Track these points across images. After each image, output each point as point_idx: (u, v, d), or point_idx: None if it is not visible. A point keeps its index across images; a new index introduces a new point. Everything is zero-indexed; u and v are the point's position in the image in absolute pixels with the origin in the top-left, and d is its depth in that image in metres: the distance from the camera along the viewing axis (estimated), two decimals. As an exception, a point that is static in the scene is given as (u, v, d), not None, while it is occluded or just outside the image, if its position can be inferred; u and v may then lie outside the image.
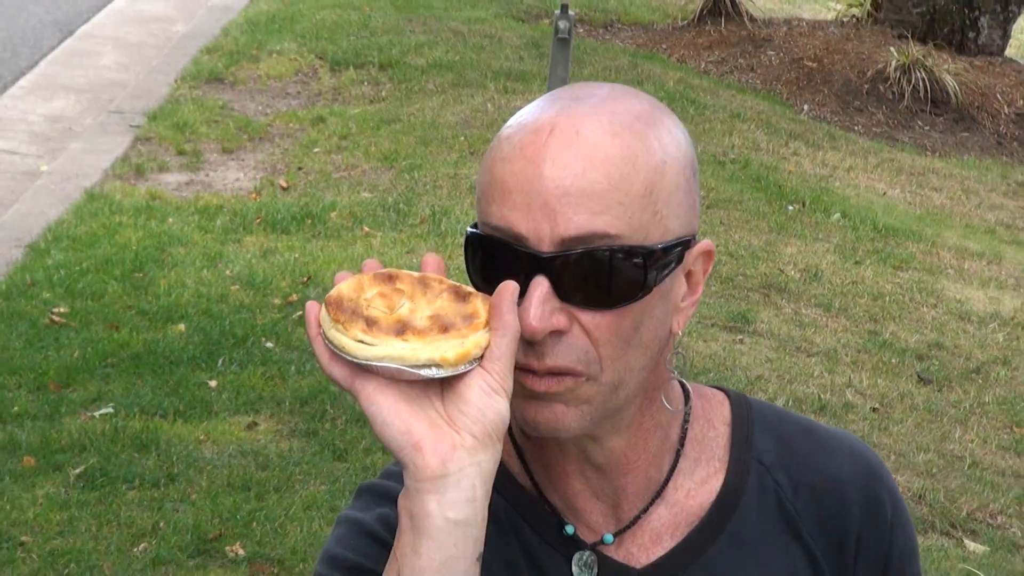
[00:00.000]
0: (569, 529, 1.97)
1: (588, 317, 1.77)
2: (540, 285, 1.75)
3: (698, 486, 1.98)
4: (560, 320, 1.76)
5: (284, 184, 10.10)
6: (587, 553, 1.96)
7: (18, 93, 12.23)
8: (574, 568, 1.96)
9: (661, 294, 1.82)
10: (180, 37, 14.15)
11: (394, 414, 1.71)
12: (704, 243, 1.89)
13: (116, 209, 9.31)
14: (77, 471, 6.15)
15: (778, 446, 2.01)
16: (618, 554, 1.97)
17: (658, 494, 1.97)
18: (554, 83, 10.88)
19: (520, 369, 1.78)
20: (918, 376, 8.02)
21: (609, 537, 1.96)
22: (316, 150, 10.89)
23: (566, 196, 1.72)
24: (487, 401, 1.71)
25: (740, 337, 8.12)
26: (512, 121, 1.82)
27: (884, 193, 11.49)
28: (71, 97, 12.19)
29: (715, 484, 1.99)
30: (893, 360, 8.18)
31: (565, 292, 1.76)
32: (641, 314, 1.80)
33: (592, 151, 1.73)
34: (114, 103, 11.92)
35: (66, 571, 5.49)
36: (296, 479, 6.18)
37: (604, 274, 1.76)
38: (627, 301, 1.78)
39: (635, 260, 1.77)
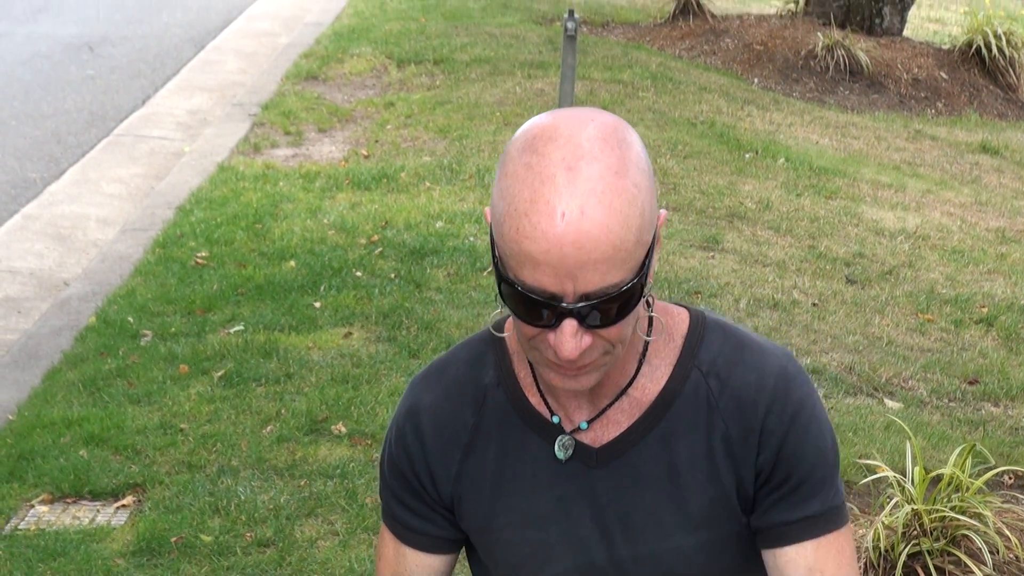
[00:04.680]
0: (556, 419, 2.01)
1: (605, 331, 1.79)
2: (570, 325, 1.77)
3: (651, 385, 1.99)
4: (587, 340, 1.79)
5: (365, 153, 10.07)
6: (567, 437, 2.00)
7: (165, 94, 12.23)
8: (556, 447, 2.00)
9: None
10: (284, 47, 14.11)
11: None
12: (661, 216, 1.87)
13: (240, 177, 9.32)
14: (219, 374, 6.17)
15: (716, 357, 2.00)
16: (587, 437, 2.00)
17: (623, 391, 1.99)
18: (565, 70, 10.81)
19: (552, 363, 1.85)
20: (846, 278, 7.98)
21: (584, 424, 2.00)
22: (388, 127, 10.86)
23: (584, 266, 1.71)
24: None
25: (712, 254, 8.08)
26: (519, 189, 1.74)
27: (817, 142, 11.42)
28: (205, 95, 12.18)
29: (663, 383, 2.00)
30: (827, 267, 8.14)
31: (588, 324, 1.77)
32: (637, 308, 1.83)
33: (598, 228, 1.70)
34: (236, 98, 11.91)
35: (214, 449, 5.50)
36: (382, 373, 6.18)
37: (615, 307, 1.77)
38: (630, 312, 1.80)
39: (634, 288, 1.78)
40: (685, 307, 2.07)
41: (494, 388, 2.06)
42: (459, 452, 2.07)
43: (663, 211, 1.90)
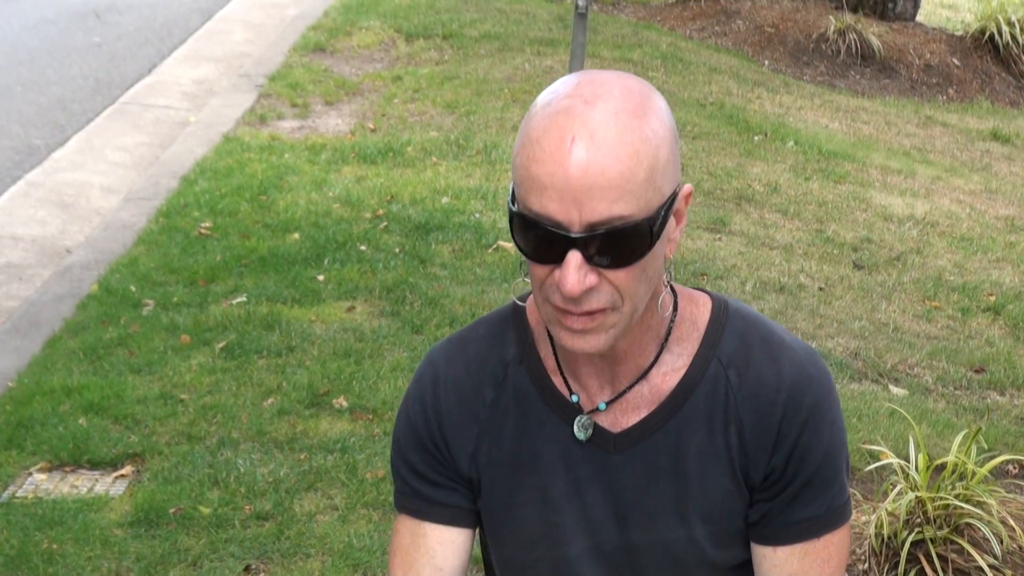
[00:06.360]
0: (575, 398, 2.01)
1: (611, 273, 1.78)
2: (574, 258, 1.76)
3: (672, 372, 1.99)
4: (592, 279, 1.77)
5: (372, 127, 10.06)
6: (586, 417, 2.00)
7: (172, 63, 12.21)
8: (575, 428, 2.01)
9: (660, 241, 1.82)
10: (292, 18, 14.09)
11: None
12: (686, 188, 1.89)
13: (246, 148, 9.30)
14: (221, 345, 6.16)
15: (738, 348, 1.99)
16: (605, 421, 2.00)
17: (643, 376, 1.98)
18: (575, 48, 10.76)
19: (560, 310, 1.81)
20: (853, 263, 7.97)
21: (603, 405, 1.99)
22: (396, 101, 10.84)
23: (589, 191, 1.72)
24: None
25: (719, 236, 8.06)
26: (538, 120, 1.77)
27: (826, 126, 11.39)
28: (211, 65, 12.16)
29: (683, 372, 1.99)
30: (834, 251, 8.12)
31: (593, 259, 1.76)
32: (647, 261, 1.81)
33: (605, 153, 1.71)
34: (243, 69, 11.89)
35: (214, 420, 5.49)
36: (385, 348, 6.17)
37: (621, 244, 1.76)
38: (638, 259, 1.79)
39: (643, 228, 1.76)
40: (708, 294, 2.07)
41: (515, 365, 2.06)
42: (476, 428, 2.07)
43: (688, 185, 1.90)
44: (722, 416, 1.98)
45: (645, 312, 1.92)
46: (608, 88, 1.78)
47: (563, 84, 1.82)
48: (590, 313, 1.81)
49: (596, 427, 2.00)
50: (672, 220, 1.86)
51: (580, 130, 1.73)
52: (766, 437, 1.96)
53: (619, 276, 1.79)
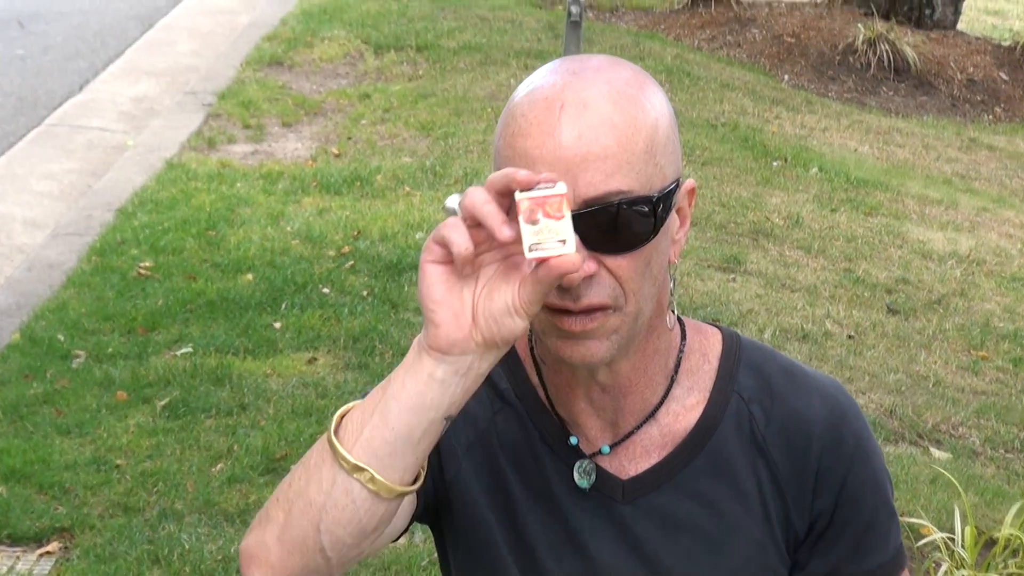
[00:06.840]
0: (573, 440, 1.99)
1: (612, 261, 1.78)
2: None
3: (686, 411, 1.99)
4: (591, 266, 1.76)
5: (336, 152, 10.07)
6: (587, 462, 1.99)
7: (107, 78, 12.22)
8: (575, 474, 1.99)
9: (663, 232, 1.83)
10: (244, 27, 14.12)
11: (434, 286, 1.70)
12: (688, 182, 1.91)
13: (192, 176, 9.30)
14: (163, 403, 6.14)
15: (758, 382, 2.00)
16: (611, 466, 1.99)
17: (651, 415, 1.98)
18: (568, 60, 10.81)
19: (557, 311, 1.79)
20: (887, 307, 7.98)
21: (606, 448, 1.98)
22: (363, 122, 10.87)
23: (584, 161, 1.73)
24: (506, 318, 1.69)
25: (733, 276, 8.07)
26: (520, 99, 1.81)
27: (855, 150, 11.43)
28: (152, 81, 12.17)
29: (699, 411, 1.99)
30: (865, 294, 8.14)
31: (591, 243, 1.76)
32: (652, 251, 1.81)
33: (599, 119, 1.74)
34: (189, 85, 11.91)
35: (155, 489, 5.48)
36: (351, 406, 6.14)
37: (622, 225, 1.76)
38: (642, 244, 1.79)
39: (644, 208, 1.77)
40: (716, 326, 2.07)
41: (510, 395, 2.04)
42: (473, 433, 2.03)
43: (691, 180, 1.92)
44: (750, 457, 1.98)
45: (650, 332, 1.92)
46: (597, 63, 1.83)
47: (546, 66, 1.86)
48: (590, 312, 1.80)
49: (600, 472, 1.99)
50: (675, 217, 1.89)
51: (570, 97, 1.76)
52: (805, 476, 1.97)
53: (620, 265, 1.79)
